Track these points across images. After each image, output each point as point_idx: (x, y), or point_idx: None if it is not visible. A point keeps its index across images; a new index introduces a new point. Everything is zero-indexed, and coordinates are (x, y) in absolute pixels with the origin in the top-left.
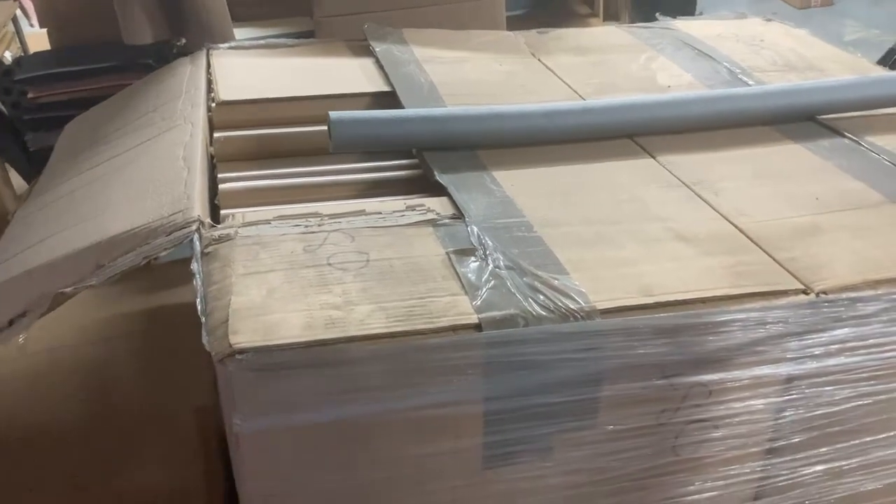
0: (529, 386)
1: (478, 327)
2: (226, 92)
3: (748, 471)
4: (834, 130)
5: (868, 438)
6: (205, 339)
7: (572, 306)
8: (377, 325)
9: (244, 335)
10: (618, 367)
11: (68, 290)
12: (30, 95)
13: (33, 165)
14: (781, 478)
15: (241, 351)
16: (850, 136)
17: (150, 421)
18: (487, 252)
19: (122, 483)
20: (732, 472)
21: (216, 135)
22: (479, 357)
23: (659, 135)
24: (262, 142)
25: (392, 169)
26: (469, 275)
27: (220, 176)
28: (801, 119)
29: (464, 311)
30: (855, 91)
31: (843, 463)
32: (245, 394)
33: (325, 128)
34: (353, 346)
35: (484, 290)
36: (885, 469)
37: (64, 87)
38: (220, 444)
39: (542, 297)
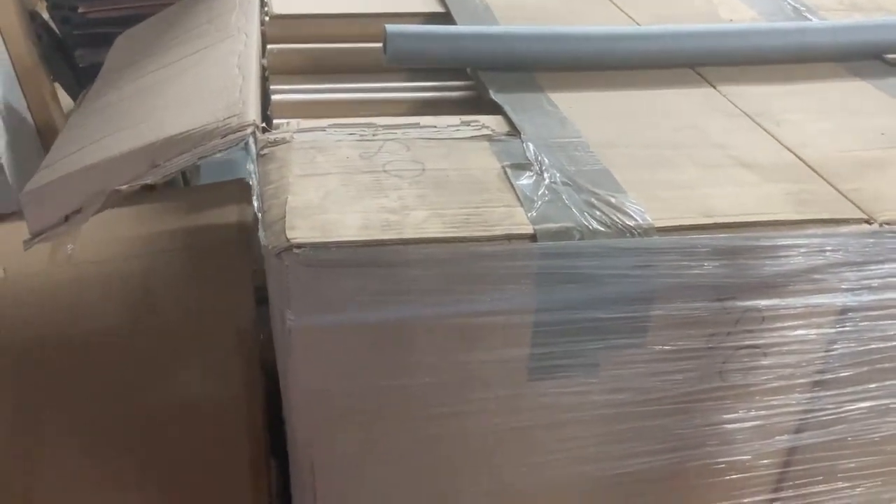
0: (580, 300)
1: (533, 238)
2: (280, 6)
3: (794, 402)
4: None
5: None
6: (261, 235)
7: (629, 223)
8: (433, 230)
9: (301, 231)
10: (672, 287)
11: (124, 187)
12: (80, 10)
13: (81, 83)
14: (826, 412)
15: (299, 245)
16: None
17: (192, 333)
18: (543, 168)
19: (164, 391)
20: (777, 403)
21: (269, 47)
22: (533, 268)
23: (721, 66)
24: (315, 56)
25: (445, 89)
26: (525, 188)
27: (272, 87)
28: (867, 57)
29: (519, 221)
30: None
31: (891, 401)
32: (299, 289)
33: (379, 45)
34: (408, 248)
35: (539, 203)
36: None
37: (115, 3)
38: (259, 357)
39: (598, 212)
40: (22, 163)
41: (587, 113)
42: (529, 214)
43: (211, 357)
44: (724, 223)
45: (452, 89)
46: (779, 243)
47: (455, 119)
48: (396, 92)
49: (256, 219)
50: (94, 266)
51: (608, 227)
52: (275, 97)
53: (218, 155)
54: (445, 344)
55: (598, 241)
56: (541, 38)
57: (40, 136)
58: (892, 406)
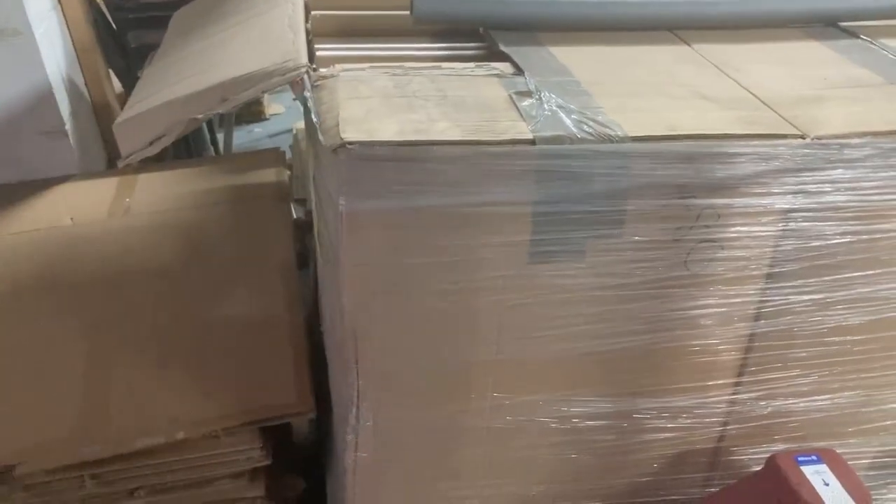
0: (571, 195)
1: (532, 142)
2: None
3: (750, 292)
4: (852, 34)
5: (851, 274)
6: (320, 138)
7: (610, 132)
8: (453, 134)
9: (352, 133)
10: (644, 185)
11: (200, 116)
12: None
13: (130, 66)
14: (777, 302)
15: (351, 143)
16: (865, 38)
17: (239, 265)
18: (542, 96)
19: (218, 310)
20: (735, 292)
21: (312, 13)
22: (532, 166)
23: (696, 29)
24: (353, 21)
25: (462, 49)
26: (527, 108)
27: (316, 46)
28: (824, 24)
29: (522, 131)
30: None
31: (829, 295)
32: (350, 179)
33: (405, 12)
34: (434, 147)
35: (539, 119)
36: (868, 305)
37: None
38: (297, 285)
39: (585, 126)
40: (81, 131)
41: (579, 61)
42: (530, 127)
43: (255, 280)
44: (684, 135)
45: (468, 49)
46: (729, 151)
47: (470, 64)
48: (421, 51)
49: (292, 179)
50: (150, 216)
51: (593, 135)
52: (319, 53)
53: (277, 89)
54: (461, 229)
55: (585, 146)
56: (542, 3)
57: (95, 109)
58: (830, 300)
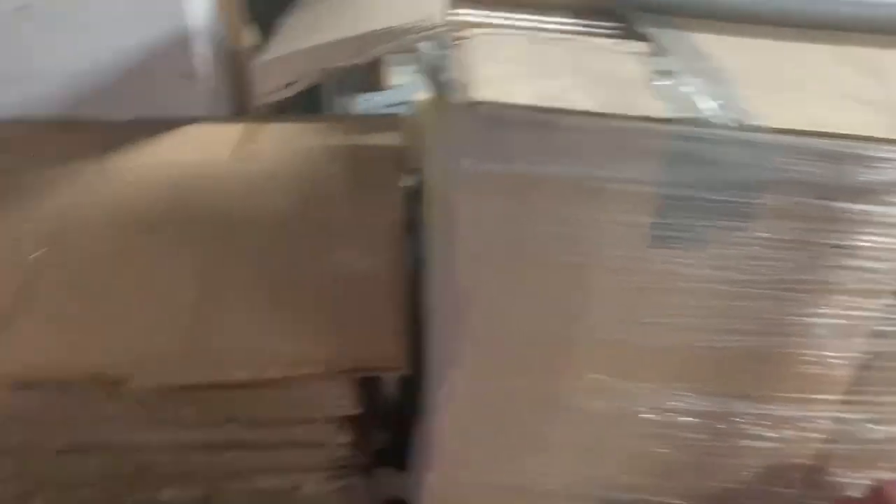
0: (700, 181)
1: (666, 121)
2: None
3: (876, 307)
4: None
5: None
6: (451, 96)
7: (749, 121)
8: (586, 105)
9: (484, 93)
10: (778, 180)
11: (335, 65)
12: None
13: (272, 17)
14: None
15: (481, 102)
16: None
17: (349, 222)
18: (682, 78)
19: (329, 263)
20: (859, 305)
21: None
22: (664, 146)
23: (858, 32)
24: None
25: (604, 28)
26: (664, 88)
27: (457, 10)
28: None
29: (657, 109)
30: None
31: None
32: (476, 140)
33: None
34: (565, 116)
35: (675, 99)
36: None
37: None
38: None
39: (723, 112)
40: (215, 77)
41: (724, 49)
42: (666, 106)
43: (365, 241)
44: (829, 132)
45: (608, 28)
46: (875, 155)
47: (610, 40)
48: (560, 24)
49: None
50: (271, 164)
51: (730, 121)
52: (458, 18)
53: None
54: (584, 202)
55: (721, 132)
56: None
57: (230, 57)
58: None
